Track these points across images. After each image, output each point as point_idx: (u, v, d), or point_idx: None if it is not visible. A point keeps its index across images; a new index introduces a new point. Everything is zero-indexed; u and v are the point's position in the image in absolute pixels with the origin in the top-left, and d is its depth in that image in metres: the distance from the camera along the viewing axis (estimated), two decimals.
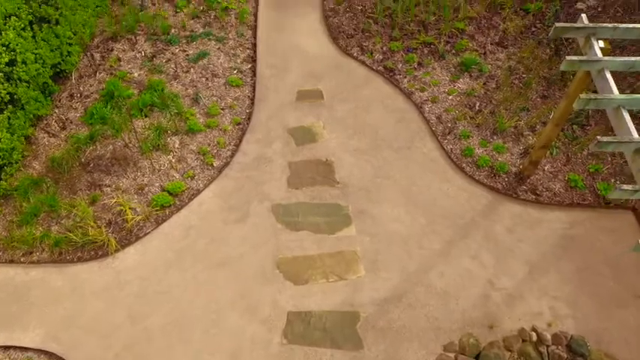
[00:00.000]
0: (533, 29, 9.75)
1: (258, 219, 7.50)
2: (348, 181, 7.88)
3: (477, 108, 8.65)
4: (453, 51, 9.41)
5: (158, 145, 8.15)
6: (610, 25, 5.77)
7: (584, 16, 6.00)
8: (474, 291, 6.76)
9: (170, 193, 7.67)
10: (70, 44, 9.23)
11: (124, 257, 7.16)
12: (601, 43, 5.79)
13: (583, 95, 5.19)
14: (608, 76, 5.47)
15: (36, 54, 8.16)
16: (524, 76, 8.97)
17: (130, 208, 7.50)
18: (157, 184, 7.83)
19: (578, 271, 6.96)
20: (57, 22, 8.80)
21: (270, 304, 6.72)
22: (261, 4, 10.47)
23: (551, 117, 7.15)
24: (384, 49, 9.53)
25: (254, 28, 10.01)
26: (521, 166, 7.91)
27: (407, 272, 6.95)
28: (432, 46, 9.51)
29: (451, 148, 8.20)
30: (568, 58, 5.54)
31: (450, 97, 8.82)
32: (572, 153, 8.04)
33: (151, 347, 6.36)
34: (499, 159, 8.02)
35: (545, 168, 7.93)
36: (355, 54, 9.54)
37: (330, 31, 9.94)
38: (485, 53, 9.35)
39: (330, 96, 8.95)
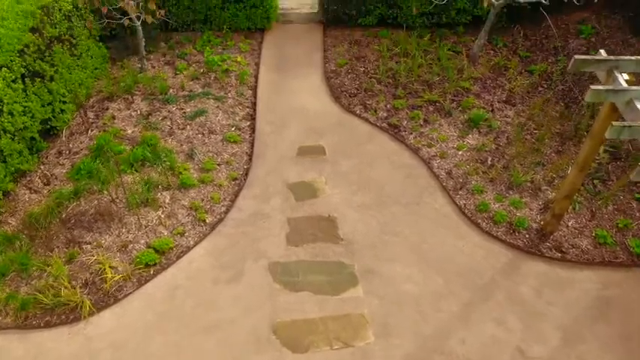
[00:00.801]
0: (540, 89, 9.51)
1: (253, 279, 6.69)
2: (352, 237, 7.16)
3: (489, 163, 8.14)
4: (460, 108, 9.10)
5: (147, 200, 7.54)
6: (633, 58, 5.39)
7: (602, 51, 5.66)
8: None
9: (156, 251, 6.93)
10: (64, 102, 8.95)
11: (98, 321, 6.27)
12: (625, 76, 5.37)
13: (616, 123, 4.66)
14: (639, 106, 4.98)
15: (25, 107, 7.81)
16: (535, 131, 8.55)
17: (110, 267, 6.72)
18: (143, 241, 7.11)
19: (620, 338, 6.04)
20: (52, 79, 8.57)
21: None
22: (262, 66, 10.36)
23: (573, 162, 6.59)
24: (388, 106, 9.23)
25: (254, 89, 9.79)
26: (542, 222, 7.23)
27: (422, 338, 6.03)
28: (437, 103, 9.22)
29: (464, 204, 7.57)
30: (593, 87, 5.10)
31: (460, 153, 8.34)
32: (597, 208, 7.40)
33: None
34: (517, 214, 7.37)
35: (569, 224, 7.25)
36: (358, 112, 9.22)
37: (331, 90, 9.71)
38: (493, 110, 9.02)
39: (332, 152, 8.49)
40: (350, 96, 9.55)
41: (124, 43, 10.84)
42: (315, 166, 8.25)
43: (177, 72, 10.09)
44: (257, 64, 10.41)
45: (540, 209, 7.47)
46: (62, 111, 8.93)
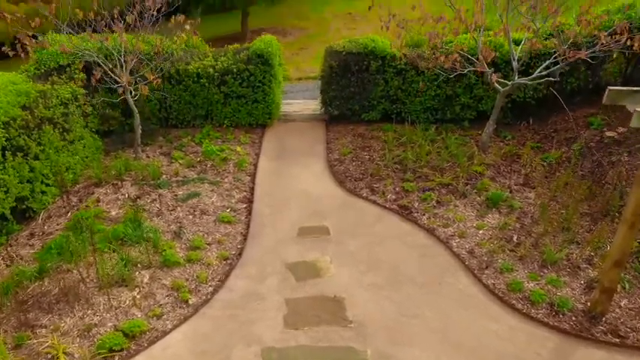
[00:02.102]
0: (558, 173, 8.89)
1: None
2: (363, 320, 5.94)
3: (515, 241, 7.19)
4: (475, 191, 8.37)
5: (122, 279, 6.45)
6: None
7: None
8: None
9: (125, 335, 5.69)
10: (47, 184, 8.30)
11: None
12: None
13: None
14: None
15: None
16: (562, 212, 7.72)
17: (64, 353, 5.43)
18: (110, 324, 5.89)
19: None
20: (36, 157, 8.03)
21: None
22: (263, 156, 9.91)
23: (620, 221, 5.68)
24: (397, 189, 8.53)
25: (253, 175, 9.20)
26: (589, 302, 6.06)
27: None
28: (449, 186, 8.52)
29: (493, 283, 6.47)
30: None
31: (481, 232, 7.43)
32: None
33: None
34: (558, 294, 6.22)
35: (622, 304, 6.08)
36: (365, 194, 8.50)
37: (335, 176, 9.11)
38: (511, 192, 8.30)
39: (337, 232, 7.58)
40: (355, 180, 8.91)
41: (121, 138, 10.56)
42: (317, 246, 7.28)
43: (173, 160, 9.60)
44: (257, 154, 9.97)
45: (584, 289, 6.34)
46: (43, 192, 8.23)
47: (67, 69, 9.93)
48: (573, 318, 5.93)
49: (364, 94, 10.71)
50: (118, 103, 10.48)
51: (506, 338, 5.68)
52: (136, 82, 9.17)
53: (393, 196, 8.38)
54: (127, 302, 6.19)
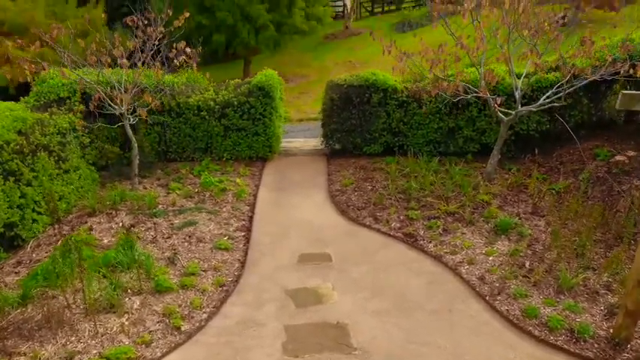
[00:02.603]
0: (567, 203, 8.61)
1: None
2: (369, 347, 5.50)
3: (527, 267, 6.81)
4: (482, 218, 8.07)
5: (111, 305, 6.04)
6: None
7: None
8: None
9: None
10: (39, 212, 8.01)
11: None
12: None
13: None
14: None
15: None
16: (574, 239, 7.38)
17: None
18: (95, 352, 5.44)
19: None
20: (29, 183, 7.78)
21: None
22: (262, 187, 9.67)
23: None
24: (401, 217, 8.23)
25: (252, 205, 8.92)
26: (612, 330, 5.63)
27: None
28: (456, 215, 8.22)
29: (507, 309, 6.05)
30: None
31: (491, 258, 7.07)
32: None
33: None
34: (577, 320, 5.79)
35: None
36: (368, 223, 8.19)
37: (337, 205, 8.83)
38: (520, 219, 7.99)
39: (339, 259, 7.21)
40: (357, 209, 8.62)
41: (119, 170, 10.34)
42: (319, 273, 6.90)
43: (170, 191, 9.35)
44: (257, 186, 9.73)
45: (604, 315, 5.91)
46: (34, 220, 7.93)
47: (67, 101, 9.88)
48: (595, 345, 5.48)
49: (366, 127, 10.61)
50: (116, 136, 10.39)
51: None
52: (134, 109, 9.08)
53: (398, 224, 8.06)
54: (115, 329, 5.75)
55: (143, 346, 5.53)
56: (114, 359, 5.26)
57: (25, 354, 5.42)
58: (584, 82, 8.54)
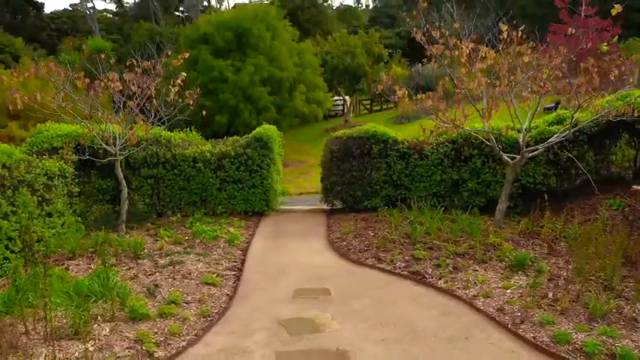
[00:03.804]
0: (587, 235, 7.96)
1: None
2: None
3: (551, 297, 6.05)
4: (495, 257, 7.41)
5: (76, 331, 5.25)
6: None
7: None
8: None
9: None
10: (12, 251, 7.40)
11: None
12: None
13: None
14: None
15: None
16: (600, 274, 6.67)
17: None
18: None
19: None
20: (5, 217, 7.27)
21: None
22: (257, 236, 9.09)
23: None
24: (407, 258, 7.57)
25: (245, 250, 8.29)
26: None
27: None
28: (466, 255, 7.57)
29: (533, 336, 5.23)
30: None
31: (509, 291, 6.33)
32: None
33: None
34: (617, 345, 4.97)
35: None
36: (371, 263, 7.51)
37: (337, 250, 8.21)
38: (536, 257, 7.32)
39: (340, 294, 6.47)
40: (359, 252, 7.98)
41: (106, 219, 9.79)
42: (317, 305, 6.13)
43: (159, 238, 8.74)
44: (251, 235, 9.16)
45: None
46: (5, 259, 7.28)
47: (60, 151, 9.64)
48: None
49: (366, 179, 10.25)
50: (107, 189, 10.02)
51: None
52: (127, 149, 8.81)
53: (403, 264, 7.38)
54: (77, 354, 4.91)
55: None
56: None
57: None
58: (592, 119, 8.32)
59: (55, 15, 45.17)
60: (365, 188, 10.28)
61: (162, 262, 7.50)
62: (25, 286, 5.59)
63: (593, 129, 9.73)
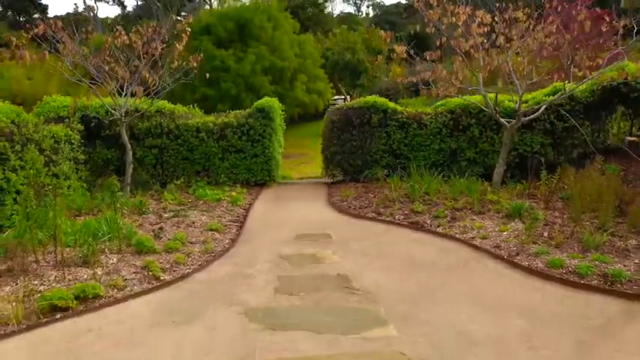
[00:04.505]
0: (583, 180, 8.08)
1: (217, 321, 4.14)
2: (375, 290, 4.80)
3: (546, 236, 6.21)
4: (493, 210, 7.56)
5: (85, 261, 5.41)
6: None
7: None
8: None
9: (76, 297, 4.52)
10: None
11: None
12: None
13: None
14: None
15: None
16: (594, 220, 6.81)
17: None
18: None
19: None
20: (14, 170, 7.44)
21: None
22: (259, 199, 9.25)
23: None
24: (406, 212, 7.72)
25: (247, 209, 8.45)
26: None
27: None
28: (463, 210, 7.72)
29: (528, 264, 5.38)
30: None
31: (505, 234, 6.48)
32: None
33: None
34: (609, 268, 5.11)
35: None
36: (371, 216, 7.67)
37: (338, 209, 8.37)
38: (532, 207, 7.48)
39: (341, 238, 6.63)
40: (360, 208, 8.14)
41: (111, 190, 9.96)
42: (318, 245, 6.30)
43: (163, 200, 8.90)
44: (254, 199, 9.31)
45: None
46: (13, 212, 7.43)
47: (66, 120, 9.84)
48: (635, 287, 4.77)
49: (366, 149, 10.41)
50: (112, 159, 10.19)
51: (557, 302, 4.49)
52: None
53: (402, 217, 7.54)
54: (85, 277, 5.07)
55: (115, 290, 4.82)
56: (79, 294, 4.53)
57: None
58: (586, 81, 8.50)
59: (59, 17, 45.70)
60: (365, 157, 10.45)
61: (166, 215, 7.66)
62: (35, 213, 5.71)
63: (589, 99, 9.93)
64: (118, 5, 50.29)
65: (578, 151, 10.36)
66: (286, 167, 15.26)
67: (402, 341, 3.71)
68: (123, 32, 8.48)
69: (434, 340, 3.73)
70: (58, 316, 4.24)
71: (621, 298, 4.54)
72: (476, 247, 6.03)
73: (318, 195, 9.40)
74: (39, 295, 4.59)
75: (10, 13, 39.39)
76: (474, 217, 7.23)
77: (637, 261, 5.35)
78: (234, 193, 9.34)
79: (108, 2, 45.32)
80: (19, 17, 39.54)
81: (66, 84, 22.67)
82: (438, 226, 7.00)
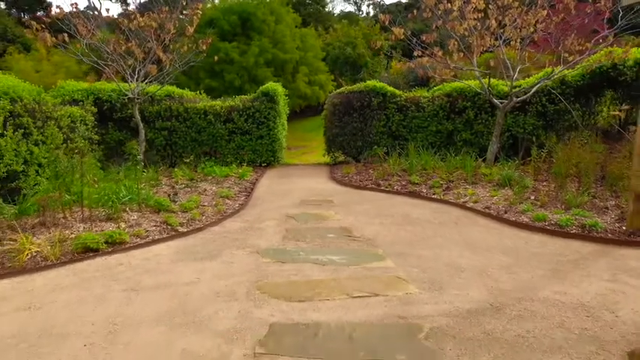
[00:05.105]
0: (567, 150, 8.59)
1: (233, 257, 4.64)
2: (374, 237, 5.30)
3: (533, 198, 6.70)
4: (484, 180, 8.06)
5: (109, 217, 5.91)
6: None
7: None
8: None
9: (105, 242, 5.02)
10: (39, 174, 8.05)
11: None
12: None
13: None
14: None
15: None
16: (578, 185, 7.31)
17: (31, 245, 4.76)
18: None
19: None
20: (36, 144, 7.93)
21: (235, 316, 3.33)
22: (265, 176, 9.74)
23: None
24: (404, 183, 8.22)
25: (254, 182, 8.94)
26: (625, 227, 5.44)
27: (499, 290, 3.75)
28: (457, 181, 8.21)
29: (515, 220, 5.88)
30: None
31: (495, 198, 6.98)
32: None
33: None
34: (588, 220, 5.61)
35: None
36: (370, 187, 8.16)
37: (340, 182, 8.86)
38: (521, 177, 7.97)
39: (342, 203, 7.13)
40: (360, 181, 8.63)
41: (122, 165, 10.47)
42: (321, 208, 6.80)
43: (174, 176, 9.40)
44: (259, 175, 9.80)
45: (616, 220, 5.73)
46: (36, 183, 7.93)
47: (80, 103, 10.34)
48: (609, 235, 5.26)
49: (366, 131, 10.91)
50: (124, 140, 10.68)
51: (538, 245, 4.98)
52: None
53: (400, 187, 8.03)
54: (109, 228, 5.57)
55: (138, 238, 5.32)
56: (108, 239, 5.03)
57: (15, 240, 5.20)
58: (575, 62, 8.98)
59: (63, 15, 46.13)
60: (365, 139, 10.95)
61: (178, 186, 8.16)
62: (63, 172, 6.21)
63: (579, 83, 10.41)
64: (121, 2, 50.79)
65: (570, 135, 10.83)
66: (288, 158, 15.76)
67: (398, 270, 4.21)
68: (138, 15, 8.97)
69: (425, 268, 4.23)
70: (90, 254, 4.74)
71: (596, 243, 5.03)
72: (468, 208, 6.53)
73: (321, 173, 9.89)
74: (71, 240, 5.09)
75: (14, 10, 39.99)
76: (467, 187, 7.72)
77: (614, 216, 5.84)
78: (240, 170, 9.84)
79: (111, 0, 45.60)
80: (24, 14, 40.08)
81: (72, 76, 23.27)
82: (434, 194, 7.49)
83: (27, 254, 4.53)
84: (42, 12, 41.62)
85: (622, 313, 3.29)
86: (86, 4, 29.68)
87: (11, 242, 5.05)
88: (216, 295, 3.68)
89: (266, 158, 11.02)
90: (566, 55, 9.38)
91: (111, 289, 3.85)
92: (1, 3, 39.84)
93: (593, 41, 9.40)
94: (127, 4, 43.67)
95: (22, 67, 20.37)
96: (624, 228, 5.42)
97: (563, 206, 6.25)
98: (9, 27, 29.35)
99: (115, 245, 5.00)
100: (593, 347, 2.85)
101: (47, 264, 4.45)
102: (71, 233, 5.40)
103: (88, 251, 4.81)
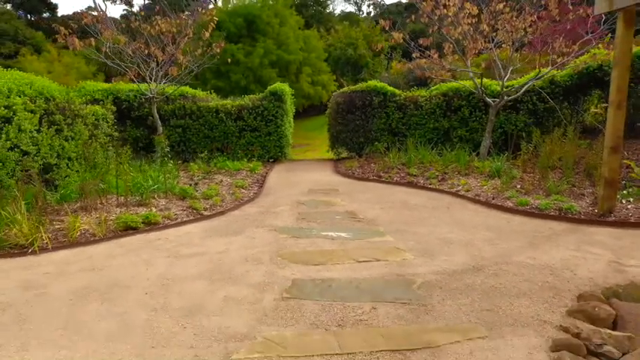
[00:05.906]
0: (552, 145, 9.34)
1: (254, 233, 5.40)
2: (375, 218, 6.05)
3: (519, 187, 7.44)
4: (476, 172, 8.81)
5: (140, 203, 6.67)
6: None
7: None
8: (596, 266, 4.20)
9: (144, 223, 5.78)
10: (71, 169, 8.79)
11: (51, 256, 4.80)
12: None
13: None
14: None
15: (33, 138, 7.73)
16: (560, 175, 8.06)
17: (80, 224, 5.51)
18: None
19: None
20: (67, 139, 8.67)
21: (263, 274, 4.08)
22: (274, 170, 10.48)
23: (609, 101, 6.08)
24: (403, 175, 8.96)
25: (265, 175, 9.70)
26: (597, 210, 6.19)
27: (480, 257, 4.50)
28: (452, 173, 8.95)
29: (501, 204, 6.62)
30: None
31: (485, 187, 7.72)
32: None
33: None
34: (564, 204, 6.36)
35: (629, 207, 6.19)
36: (372, 178, 8.91)
37: (344, 175, 9.61)
38: (510, 168, 8.71)
39: (347, 191, 7.88)
40: (362, 174, 9.38)
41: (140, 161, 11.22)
42: (328, 195, 7.55)
43: (189, 170, 10.15)
44: (269, 170, 10.55)
45: (590, 204, 6.47)
46: (67, 176, 8.68)
47: (100, 102, 11.10)
48: (583, 217, 6.00)
49: (368, 128, 11.65)
50: (141, 137, 11.42)
51: (519, 224, 5.72)
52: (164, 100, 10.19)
53: (399, 178, 8.77)
54: (143, 212, 6.32)
55: (169, 220, 6.07)
56: (144, 219, 5.78)
57: (62, 221, 5.96)
58: (562, 63, 9.71)
59: (69, 17, 47.07)
60: (367, 135, 11.70)
61: (196, 178, 8.91)
62: (99, 166, 6.96)
63: (568, 83, 11.15)
64: (125, 4, 51.61)
65: (559, 132, 11.56)
66: (293, 155, 16.49)
67: (396, 243, 4.96)
68: (160, 22, 9.73)
69: (420, 241, 4.97)
70: (130, 232, 5.49)
71: (570, 222, 5.77)
72: (460, 196, 7.28)
73: (326, 167, 10.65)
74: (112, 221, 5.85)
75: (20, 11, 40.80)
76: (461, 178, 8.46)
77: (589, 201, 6.58)
78: (251, 165, 10.59)
79: (115, 2, 46.38)
80: (30, 16, 40.86)
81: (82, 76, 24.05)
82: (430, 184, 8.24)
83: (77, 231, 5.28)
84: (48, 13, 42.42)
85: (579, 271, 4.04)
86: (89, 4, 30.39)
87: (60, 222, 5.80)
88: (245, 260, 4.43)
89: (274, 154, 11.77)
90: (555, 56, 10.12)
91: (155, 256, 4.61)
92: (8, 5, 40.64)
93: (578, 43, 10.13)
94: (131, 5, 44.43)
95: (35, 68, 21.16)
96: (596, 211, 6.17)
97: (544, 193, 6.99)
98: (19, 29, 30.11)
99: (150, 225, 5.75)
100: (551, 293, 3.60)
101: (95, 239, 5.20)
102: (109, 216, 6.14)
103: (128, 229, 5.56)
